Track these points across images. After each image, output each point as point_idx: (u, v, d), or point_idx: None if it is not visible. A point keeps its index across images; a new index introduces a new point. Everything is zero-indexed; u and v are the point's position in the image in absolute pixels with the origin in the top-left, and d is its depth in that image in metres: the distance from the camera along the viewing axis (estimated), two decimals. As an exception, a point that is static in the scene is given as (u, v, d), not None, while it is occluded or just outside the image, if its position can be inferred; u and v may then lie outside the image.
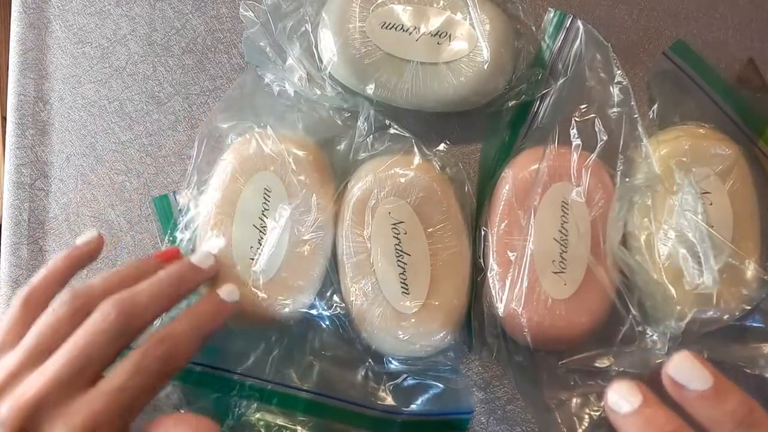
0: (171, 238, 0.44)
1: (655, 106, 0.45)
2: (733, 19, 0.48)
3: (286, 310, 0.41)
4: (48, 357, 0.33)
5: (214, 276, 0.41)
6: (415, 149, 0.43)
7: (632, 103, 0.43)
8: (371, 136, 0.43)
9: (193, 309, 0.37)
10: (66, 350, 0.33)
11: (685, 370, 0.29)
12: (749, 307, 0.42)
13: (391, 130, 0.44)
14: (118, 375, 0.33)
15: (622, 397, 0.29)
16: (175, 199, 0.45)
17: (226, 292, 0.39)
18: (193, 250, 0.43)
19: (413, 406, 0.43)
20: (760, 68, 0.46)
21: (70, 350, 0.33)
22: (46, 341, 0.34)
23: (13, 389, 0.32)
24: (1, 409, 0.32)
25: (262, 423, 0.42)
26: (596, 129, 0.43)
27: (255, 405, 0.42)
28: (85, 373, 0.33)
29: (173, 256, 0.40)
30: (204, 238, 0.42)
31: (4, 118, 0.66)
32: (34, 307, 0.36)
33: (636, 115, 0.43)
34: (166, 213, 0.45)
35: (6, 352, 0.34)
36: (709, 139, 0.43)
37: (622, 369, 0.41)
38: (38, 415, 0.32)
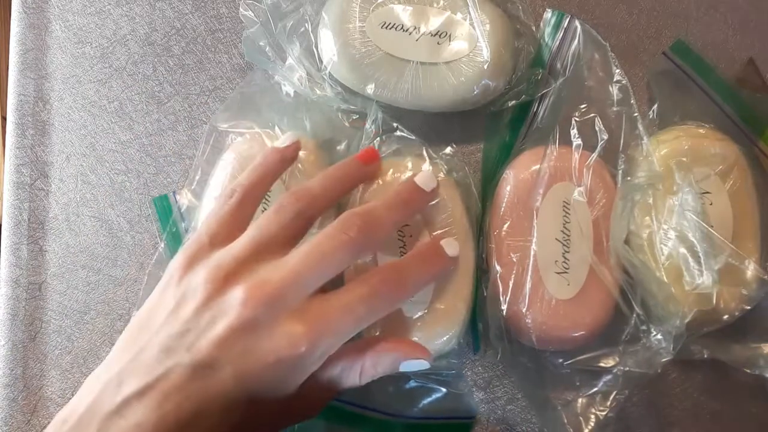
0: (168, 238, 0.44)
1: (655, 106, 0.45)
2: (733, 19, 0.48)
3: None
4: (272, 253, 0.32)
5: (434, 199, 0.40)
6: (423, 152, 0.43)
7: (632, 101, 0.43)
8: (378, 138, 0.43)
9: (419, 254, 0.37)
10: (309, 251, 0.32)
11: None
12: (749, 307, 0.42)
13: (398, 133, 0.43)
14: (353, 291, 0.32)
15: None
16: (175, 199, 0.45)
17: (449, 245, 0.39)
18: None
19: (415, 410, 0.43)
20: (760, 68, 0.47)
21: (312, 252, 0.32)
22: (270, 237, 0.33)
23: (247, 276, 0.31)
24: (237, 293, 0.31)
25: None
26: (596, 128, 0.43)
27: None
28: (322, 279, 0.32)
29: (373, 156, 0.40)
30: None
31: (4, 118, 0.66)
32: (248, 205, 0.36)
33: (636, 114, 0.43)
34: (166, 213, 0.45)
35: (222, 243, 0.34)
36: (709, 139, 0.43)
37: (627, 368, 0.41)
38: (275, 304, 0.31)
